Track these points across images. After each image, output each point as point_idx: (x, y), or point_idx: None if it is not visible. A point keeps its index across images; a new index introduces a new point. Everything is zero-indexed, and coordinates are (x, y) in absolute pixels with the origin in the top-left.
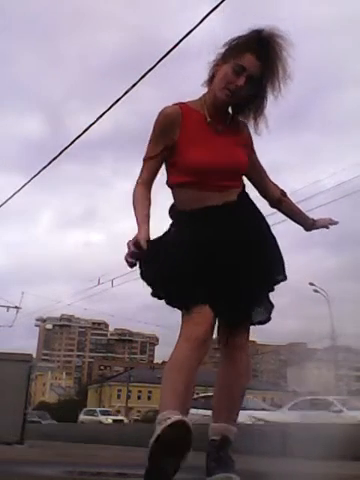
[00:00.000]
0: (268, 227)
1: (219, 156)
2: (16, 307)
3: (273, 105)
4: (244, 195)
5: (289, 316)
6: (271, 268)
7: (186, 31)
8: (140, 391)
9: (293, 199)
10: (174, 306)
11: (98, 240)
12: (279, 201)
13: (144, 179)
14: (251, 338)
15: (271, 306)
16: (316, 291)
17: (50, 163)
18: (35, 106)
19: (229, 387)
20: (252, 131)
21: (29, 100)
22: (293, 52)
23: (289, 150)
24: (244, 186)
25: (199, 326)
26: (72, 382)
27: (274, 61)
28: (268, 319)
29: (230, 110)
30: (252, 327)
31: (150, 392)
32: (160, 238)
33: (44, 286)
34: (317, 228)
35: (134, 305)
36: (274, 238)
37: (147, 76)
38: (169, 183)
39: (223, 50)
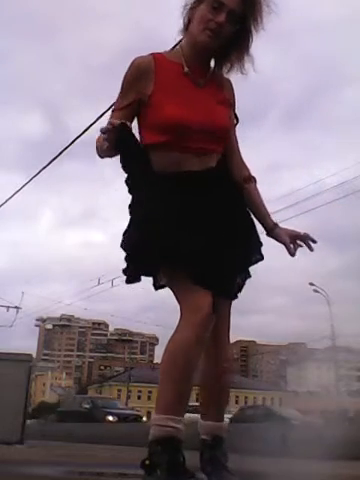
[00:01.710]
0: (244, 202)
1: (199, 113)
2: (16, 307)
3: (255, 40)
4: (223, 163)
5: (289, 316)
6: (250, 245)
7: None
8: (140, 391)
9: (295, 198)
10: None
11: (98, 240)
12: (240, 184)
13: None
14: (251, 338)
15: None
16: (316, 291)
17: (50, 163)
18: (35, 104)
19: (218, 383)
20: (238, 73)
21: (29, 98)
22: None
23: (290, 148)
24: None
25: (202, 310)
26: (72, 382)
27: None
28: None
29: (212, 63)
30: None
31: (150, 392)
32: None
33: (44, 286)
34: (277, 239)
35: (134, 305)
36: (250, 214)
37: None
38: (144, 141)
39: None
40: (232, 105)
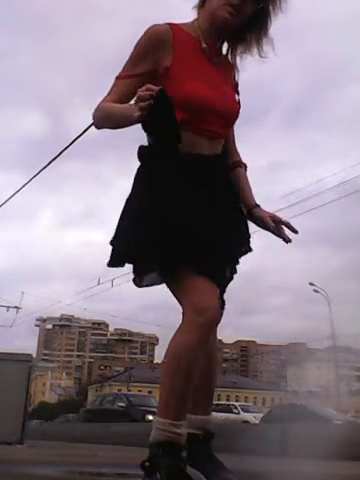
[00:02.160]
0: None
1: (221, 95)
2: (16, 307)
3: (273, 23)
4: (223, 149)
5: (289, 316)
6: (243, 236)
7: None
8: (140, 391)
9: (296, 197)
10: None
11: (98, 240)
12: (231, 167)
13: (110, 101)
14: (251, 338)
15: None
16: (316, 291)
17: (49, 163)
18: (36, 103)
19: (207, 375)
20: (256, 56)
21: (30, 97)
22: None
23: (292, 148)
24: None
25: (211, 306)
26: (72, 382)
27: None
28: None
29: (225, 45)
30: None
31: (150, 392)
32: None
33: (44, 286)
34: (259, 218)
35: (134, 305)
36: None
37: None
38: None
39: None
40: (237, 91)
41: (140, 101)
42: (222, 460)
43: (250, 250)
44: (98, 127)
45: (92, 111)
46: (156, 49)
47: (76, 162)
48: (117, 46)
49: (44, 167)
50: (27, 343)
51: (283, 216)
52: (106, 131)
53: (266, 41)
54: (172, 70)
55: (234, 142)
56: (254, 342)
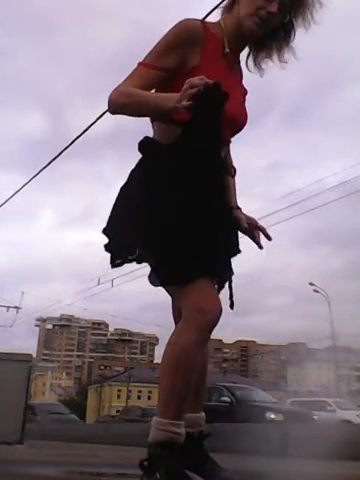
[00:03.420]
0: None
1: (237, 105)
2: (16, 307)
3: (305, 35)
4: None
5: (289, 316)
6: (236, 238)
7: None
8: (140, 391)
9: (297, 197)
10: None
11: (98, 239)
12: None
13: (132, 86)
14: (251, 338)
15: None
16: (316, 291)
17: (49, 164)
18: (36, 103)
19: (202, 371)
20: (276, 63)
21: (30, 97)
22: None
23: (292, 148)
24: None
25: (213, 309)
26: (72, 382)
27: None
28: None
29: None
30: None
31: (150, 392)
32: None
33: (44, 286)
34: (237, 226)
35: (134, 305)
36: None
37: None
38: (176, 119)
39: None
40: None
41: (190, 88)
42: (223, 460)
43: (239, 252)
44: (115, 112)
45: (110, 94)
46: (186, 45)
47: (76, 162)
48: (117, 46)
49: (44, 167)
50: (27, 343)
51: (283, 216)
52: (107, 129)
53: (287, 50)
54: (199, 70)
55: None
56: (254, 342)
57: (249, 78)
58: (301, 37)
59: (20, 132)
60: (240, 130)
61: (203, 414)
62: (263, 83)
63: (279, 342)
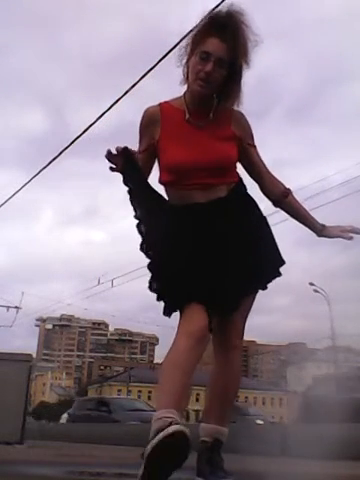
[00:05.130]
0: (262, 222)
1: (200, 153)
2: (16, 307)
3: (247, 73)
4: (238, 189)
5: (289, 316)
6: (262, 263)
7: (192, 25)
8: (140, 391)
9: (300, 196)
10: (168, 304)
11: (99, 239)
12: (279, 200)
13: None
14: (251, 338)
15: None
16: (316, 291)
17: (50, 163)
18: (37, 101)
19: (223, 388)
20: (236, 105)
21: (30, 94)
22: (253, 19)
23: (296, 145)
24: (240, 180)
25: (196, 322)
26: (72, 382)
27: (239, 36)
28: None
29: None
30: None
31: (150, 392)
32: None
33: (44, 286)
34: (330, 237)
35: (134, 305)
36: (269, 234)
37: (152, 70)
38: (158, 181)
39: (189, 44)
40: (243, 137)
41: (108, 158)
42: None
43: (278, 275)
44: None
45: None
46: (148, 127)
47: (77, 160)
48: (118, 43)
49: (44, 167)
50: (27, 343)
51: (286, 215)
52: (108, 126)
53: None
54: (160, 142)
55: (269, 175)
56: (254, 342)
57: (249, 78)
58: (302, 37)
59: (21, 130)
60: (222, 168)
61: (224, 429)
62: (266, 80)
63: (279, 342)
